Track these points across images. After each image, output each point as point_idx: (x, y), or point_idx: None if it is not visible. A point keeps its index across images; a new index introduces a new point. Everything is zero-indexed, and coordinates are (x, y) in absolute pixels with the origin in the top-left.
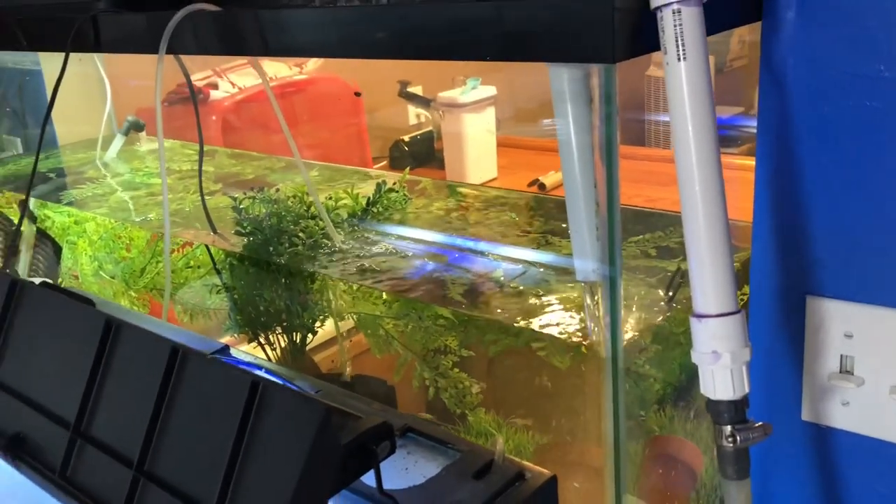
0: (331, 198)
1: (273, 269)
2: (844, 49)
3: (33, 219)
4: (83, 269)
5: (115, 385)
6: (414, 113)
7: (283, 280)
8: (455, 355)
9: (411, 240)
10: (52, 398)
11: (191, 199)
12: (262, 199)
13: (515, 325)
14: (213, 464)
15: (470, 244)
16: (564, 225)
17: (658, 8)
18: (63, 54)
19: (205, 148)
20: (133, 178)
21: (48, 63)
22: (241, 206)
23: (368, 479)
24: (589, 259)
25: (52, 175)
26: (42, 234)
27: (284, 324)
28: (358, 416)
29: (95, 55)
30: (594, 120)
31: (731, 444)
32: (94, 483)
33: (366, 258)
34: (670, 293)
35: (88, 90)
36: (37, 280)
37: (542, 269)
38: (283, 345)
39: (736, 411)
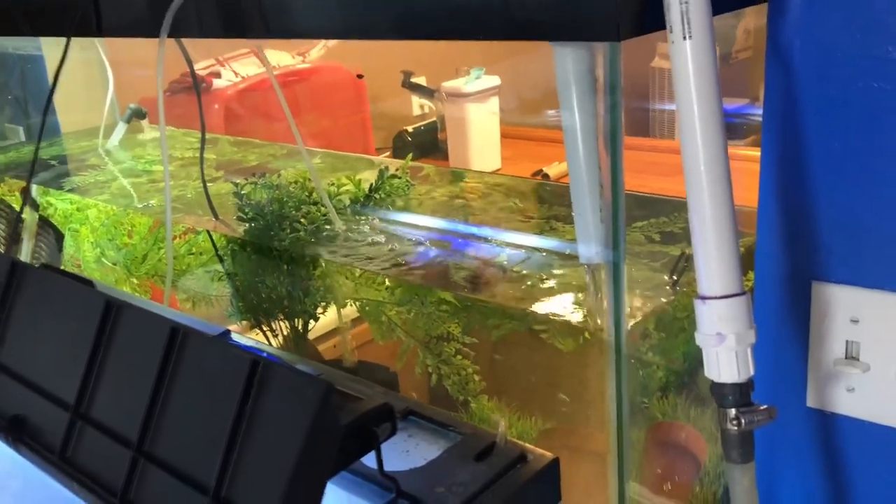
0: (333, 184)
1: (275, 255)
2: (852, 30)
3: (35, 207)
4: (85, 256)
5: (114, 365)
6: (418, 103)
7: (285, 266)
8: (458, 342)
9: (414, 226)
10: (51, 379)
11: (193, 185)
12: (264, 184)
13: (518, 309)
14: (212, 443)
15: (473, 230)
16: (568, 211)
17: None
18: (64, 40)
19: (207, 136)
20: (135, 166)
21: (50, 50)
22: (243, 192)
23: (370, 460)
24: (592, 242)
25: (53, 162)
26: (44, 222)
27: (286, 310)
28: (359, 397)
29: (98, 42)
30: (599, 101)
31: (736, 428)
32: (93, 464)
33: (368, 244)
34: (674, 277)
35: (91, 78)
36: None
37: (545, 255)
38: (285, 332)
39: (741, 394)
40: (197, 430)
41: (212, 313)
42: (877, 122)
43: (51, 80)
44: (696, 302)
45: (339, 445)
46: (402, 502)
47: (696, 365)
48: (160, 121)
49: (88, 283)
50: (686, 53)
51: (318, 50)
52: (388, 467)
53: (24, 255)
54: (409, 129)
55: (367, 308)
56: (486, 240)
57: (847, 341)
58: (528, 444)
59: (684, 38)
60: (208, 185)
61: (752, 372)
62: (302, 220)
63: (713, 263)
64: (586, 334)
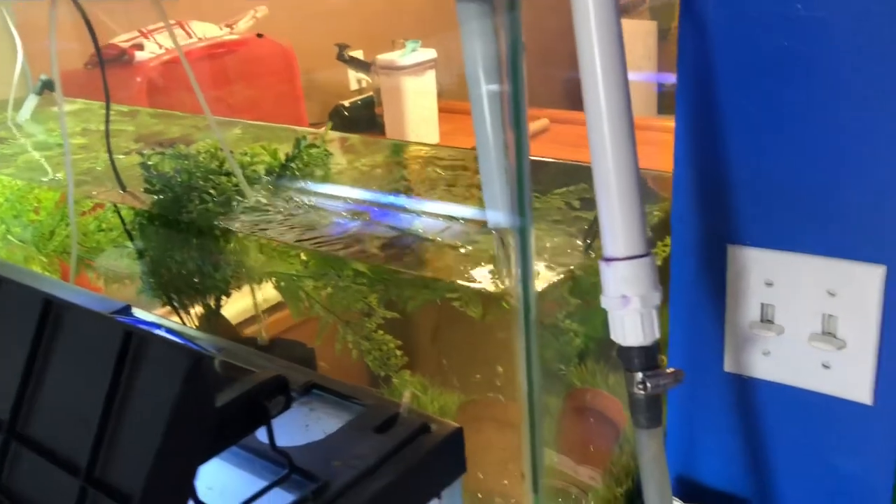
0: (246, 154)
1: (183, 228)
2: None
3: None
4: None
5: None
6: (355, 78)
7: (194, 240)
8: (379, 317)
9: (332, 196)
10: None
11: (104, 158)
12: (172, 155)
13: (430, 278)
14: (86, 422)
15: (392, 199)
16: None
17: None
18: None
19: (128, 109)
20: (47, 139)
21: None
22: (150, 163)
23: (265, 435)
24: (499, 207)
25: None
26: None
27: (197, 286)
28: (251, 370)
29: (3, 9)
30: (501, 54)
31: (643, 391)
32: None
33: (282, 215)
34: (588, 241)
35: None
36: None
37: (463, 223)
38: (196, 309)
39: (647, 357)
40: (72, 407)
41: (127, 292)
42: (786, 81)
43: None
44: (600, 264)
45: (224, 420)
46: (294, 478)
47: None
48: (56, 88)
49: None
50: (588, 5)
51: (247, 21)
52: (286, 442)
53: None
54: (346, 103)
55: (282, 284)
56: (405, 210)
57: (762, 304)
58: (432, 415)
59: None
60: (125, 157)
61: (657, 335)
62: (211, 190)
63: (617, 224)
64: (503, 303)
